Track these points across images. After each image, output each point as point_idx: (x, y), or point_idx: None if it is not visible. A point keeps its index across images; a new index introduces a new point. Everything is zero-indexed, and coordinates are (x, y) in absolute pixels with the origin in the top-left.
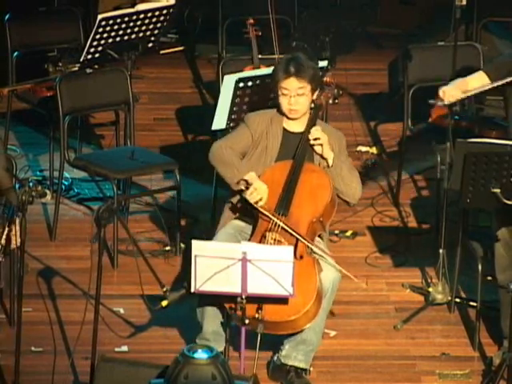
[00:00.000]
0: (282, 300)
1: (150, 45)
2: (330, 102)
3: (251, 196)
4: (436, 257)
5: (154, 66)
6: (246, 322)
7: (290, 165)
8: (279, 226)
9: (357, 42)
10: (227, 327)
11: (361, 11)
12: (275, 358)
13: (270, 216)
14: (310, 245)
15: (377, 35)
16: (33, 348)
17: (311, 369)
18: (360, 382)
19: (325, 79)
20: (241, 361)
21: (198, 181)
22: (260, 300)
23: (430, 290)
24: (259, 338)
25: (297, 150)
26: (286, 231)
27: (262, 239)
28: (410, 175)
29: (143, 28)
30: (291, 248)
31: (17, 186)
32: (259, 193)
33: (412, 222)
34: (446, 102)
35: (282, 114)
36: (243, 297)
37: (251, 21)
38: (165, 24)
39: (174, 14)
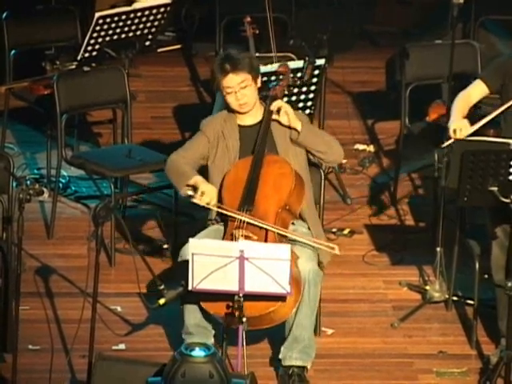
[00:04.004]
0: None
1: (148, 43)
2: (286, 89)
3: (201, 199)
4: (433, 255)
5: (151, 64)
6: (244, 320)
7: (251, 160)
8: (245, 221)
9: (354, 40)
10: (224, 331)
11: (358, 10)
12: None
13: (232, 214)
14: (280, 231)
15: (374, 33)
16: (30, 346)
17: (308, 367)
18: (357, 380)
19: (279, 69)
20: (238, 359)
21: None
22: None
23: (428, 288)
24: (244, 336)
25: (255, 143)
26: (254, 225)
27: (232, 238)
28: (407, 173)
29: (140, 26)
30: (288, 246)
31: (14, 184)
32: (208, 195)
33: (409, 221)
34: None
35: (233, 111)
36: (240, 295)
37: (248, 19)
38: (162, 22)
39: (171, 12)
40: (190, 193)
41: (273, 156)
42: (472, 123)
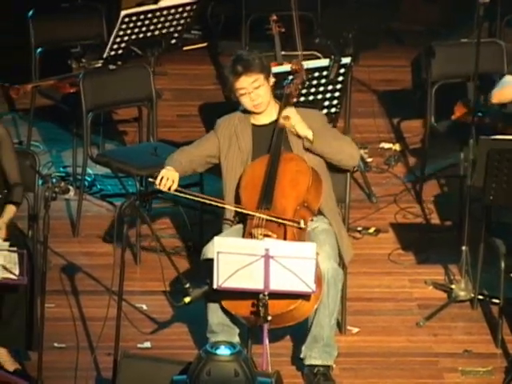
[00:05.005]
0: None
1: (173, 41)
2: (300, 87)
3: (162, 184)
4: (459, 254)
5: (177, 62)
6: (269, 318)
7: (268, 158)
8: (264, 220)
9: (380, 38)
10: (248, 329)
11: (384, 8)
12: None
13: (251, 212)
14: (299, 225)
15: (400, 32)
16: (55, 344)
17: (334, 365)
18: (382, 379)
19: (292, 67)
20: (263, 357)
21: (221, 177)
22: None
23: (453, 286)
24: (266, 334)
25: (271, 142)
26: (272, 221)
27: (252, 237)
28: (433, 172)
29: (166, 24)
30: (314, 244)
31: (40, 182)
32: (169, 180)
33: (435, 219)
34: None
35: (248, 111)
36: (266, 293)
37: (274, 17)
38: (188, 20)
39: (197, 10)
40: (151, 179)
41: (289, 154)
42: (496, 122)
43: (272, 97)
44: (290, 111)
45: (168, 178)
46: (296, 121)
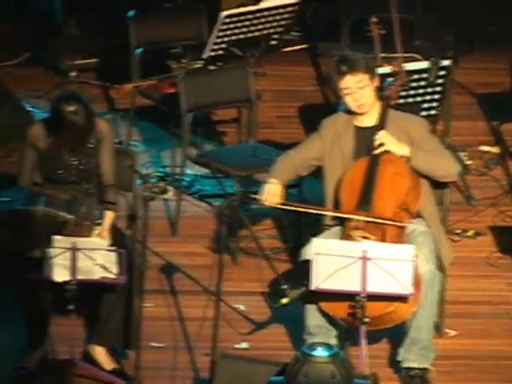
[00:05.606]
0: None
1: (273, 42)
2: (400, 89)
3: (267, 200)
4: None
5: (276, 63)
6: (366, 320)
7: (368, 160)
8: (363, 222)
9: (479, 41)
10: (346, 331)
11: (481, 11)
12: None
13: (351, 216)
14: (399, 223)
15: (498, 35)
16: (153, 343)
17: (431, 368)
18: (478, 382)
19: (393, 69)
20: (361, 359)
21: (320, 178)
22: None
23: None
24: (363, 335)
25: (372, 144)
26: (371, 223)
27: (350, 239)
28: None
29: (267, 25)
30: (412, 246)
31: (139, 181)
32: (272, 193)
33: None
34: None
35: (351, 112)
36: (363, 295)
37: (374, 19)
38: (288, 22)
39: (298, 11)
40: (255, 196)
41: (389, 155)
42: None
43: (376, 98)
44: (383, 137)
45: (274, 194)
46: (390, 144)
